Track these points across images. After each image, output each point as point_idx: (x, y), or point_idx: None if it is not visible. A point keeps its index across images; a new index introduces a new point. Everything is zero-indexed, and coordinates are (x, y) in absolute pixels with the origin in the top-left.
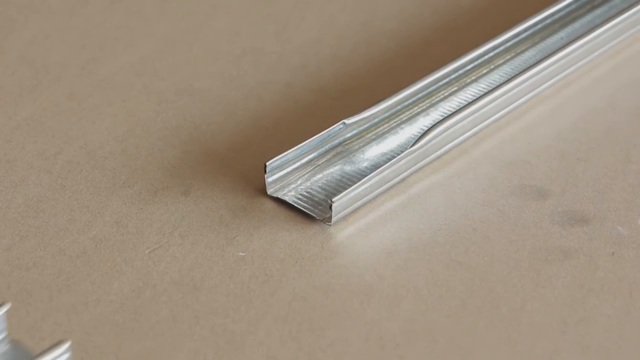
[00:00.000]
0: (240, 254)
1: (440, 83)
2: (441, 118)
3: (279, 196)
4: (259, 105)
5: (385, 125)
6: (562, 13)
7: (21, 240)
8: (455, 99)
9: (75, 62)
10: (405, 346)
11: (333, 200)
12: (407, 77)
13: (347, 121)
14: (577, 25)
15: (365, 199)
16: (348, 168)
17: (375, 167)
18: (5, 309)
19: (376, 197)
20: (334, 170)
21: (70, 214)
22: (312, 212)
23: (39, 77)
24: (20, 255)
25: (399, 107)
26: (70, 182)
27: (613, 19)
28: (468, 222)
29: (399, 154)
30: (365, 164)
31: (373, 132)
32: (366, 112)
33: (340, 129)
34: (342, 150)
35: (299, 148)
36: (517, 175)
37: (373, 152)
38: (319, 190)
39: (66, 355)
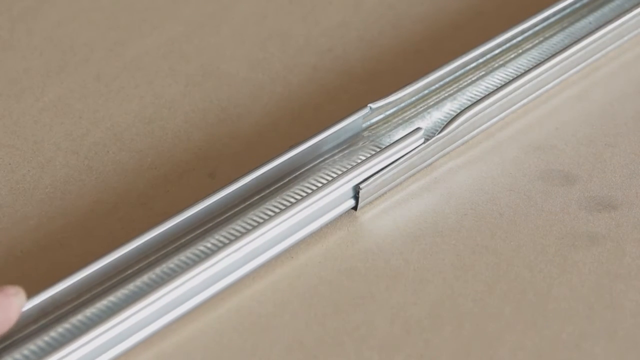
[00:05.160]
0: None
1: (468, 67)
2: (468, 102)
3: None
4: (285, 88)
5: (411, 110)
6: None
7: (48, 221)
8: (482, 83)
9: (102, 44)
10: (431, 330)
11: (361, 186)
12: (434, 61)
13: (373, 105)
14: (606, 10)
15: (392, 184)
16: None
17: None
18: None
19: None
20: None
21: (97, 195)
22: None
23: (66, 59)
24: (47, 236)
25: (425, 91)
26: (97, 164)
27: None
28: (494, 207)
29: (426, 139)
30: None
31: (399, 117)
32: (392, 96)
33: (366, 113)
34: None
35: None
36: (544, 160)
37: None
38: None
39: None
